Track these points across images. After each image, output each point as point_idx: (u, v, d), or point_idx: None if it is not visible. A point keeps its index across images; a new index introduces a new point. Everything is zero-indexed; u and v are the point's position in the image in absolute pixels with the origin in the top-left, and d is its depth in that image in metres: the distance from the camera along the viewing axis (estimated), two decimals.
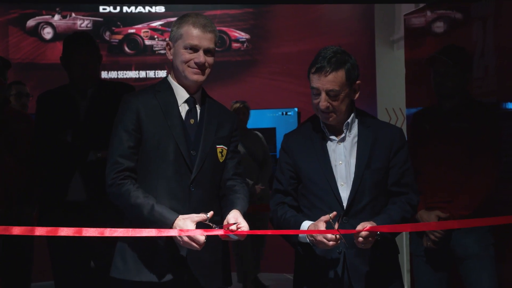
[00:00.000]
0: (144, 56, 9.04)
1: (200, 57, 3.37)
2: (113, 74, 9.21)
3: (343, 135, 3.54)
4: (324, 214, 3.38)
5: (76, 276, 4.60)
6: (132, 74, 9.08)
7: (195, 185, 3.37)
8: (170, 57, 3.48)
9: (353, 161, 3.52)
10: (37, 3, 8.63)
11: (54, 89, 4.75)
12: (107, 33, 9.15)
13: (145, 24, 9.02)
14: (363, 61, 8.53)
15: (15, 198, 4.80)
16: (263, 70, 9.04)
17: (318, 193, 3.51)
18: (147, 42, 9.02)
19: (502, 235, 4.53)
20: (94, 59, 4.65)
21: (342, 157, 3.53)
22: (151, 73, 8.98)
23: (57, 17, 8.91)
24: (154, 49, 9.02)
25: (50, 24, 8.96)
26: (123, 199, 3.30)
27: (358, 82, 3.49)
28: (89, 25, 8.96)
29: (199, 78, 3.40)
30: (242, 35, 9.01)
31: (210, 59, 3.42)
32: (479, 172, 4.39)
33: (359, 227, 3.31)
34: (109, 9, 8.97)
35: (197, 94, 3.49)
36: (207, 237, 3.20)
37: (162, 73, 8.94)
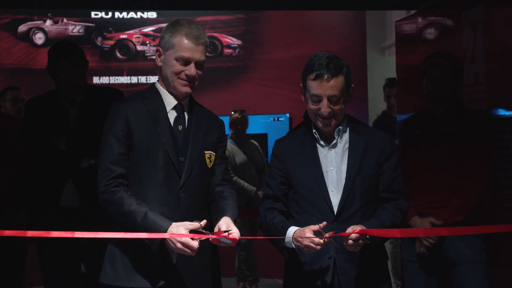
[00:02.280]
0: (136, 62, 9.05)
1: (191, 70, 3.38)
2: (104, 80, 9.21)
3: (334, 141, 3.56)
4: (315, 220, 3.41)
5: (67, 280, 4.59)
6: (123, 79, 9.09)
7: (184, 191, 3.38)
8: (160, 63, 3.48)
9: (344, 167, 3.53)
10: (28, 9, 8.62)
11: (42, 95, 4.74)
12: (99, 39, 9.15)
13: (136, 30, 9.04)
14: (355, 67, 8.53)
15: (8, 203, 4.80)
16: (254, 76, 9.06)
17: (309, 198, 3.53)
18: (139, 47, 9.03)
19: (493, 240, 4.56)
20: (79, 68, 4.63)
21: (334, 163, 3.54)
22: (143, 79, 9.00)
23: (48, 22, 8.92)
24: (145, 54, 9.03)
25: (41, 30, 8.96)
26: (116, 207, 3.31)
27: (352, 85, 3.52)
28: (80, 31, 8.97)
29: (188, 90, 3.43)
30: (233, 41, 9.03)
31: (200, 71, 3.41)
32: (470, 177, 4.41)
33: (349, 230, 3.32)
34: (101, 14, 8.98)
35: (185, 100, 3.51)
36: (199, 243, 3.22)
37: (154, 79, 8.94)
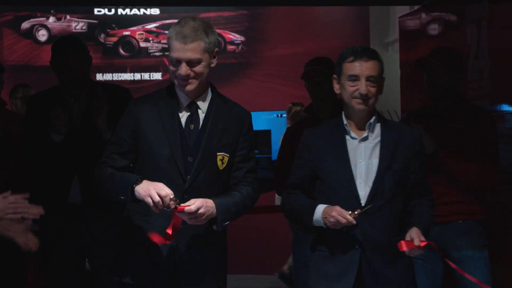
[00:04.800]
0: (139, 59, 9.04)
1: (182, 70, 3.33)
2: (108, 76, 9.20)
3: (365, 134, 3.61)
4: None
5: (71, 278, 4.58)
6: (127, 76, 9.08)
7: (190, 193, 3.32)
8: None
9: (375, 161, 3.58)
10: (32, 6, 8.62)
11: (45, 90, 4.73)
12: (102, 35, 9.14)
13: (140, 26, 9.02)
14: None
15: None
16: (257, 72, 9.05)
17: (336, 190, 3.58)
18: (142, 44, 9.01)
19: (495, 236, 4.55)
20: (83, 63, 4.62)
21: (363, 156, 3.59)
22: (146, 75, 8.99)
23: (51, 19, 8.91)
24: (149, 51, 9.02)
25: (44, 26, 8.95)
26: (97, 179, 3.43)
27: (384, 78, 3.62)
28: (83, 27, 8.96)
29: (189, 88, 3.38)
30: (237, 37, 9.01)
31: (197, 69, 3.35)
32: (479, 173, 4.40)
33: (413, 236, 3.41)
34: (104, 11, 8.97)
35: (200, 98, 3.47)
36: (194, 241, 3.32)
37: (157, 75, 8.94)
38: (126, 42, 9.08)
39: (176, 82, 3.39)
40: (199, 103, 3.46)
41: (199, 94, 3.46)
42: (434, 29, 5.69)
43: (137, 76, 8.91)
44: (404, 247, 3.41)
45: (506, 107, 4.73)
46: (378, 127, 3.64)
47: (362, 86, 3.52)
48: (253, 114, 8.15)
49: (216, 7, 8.71)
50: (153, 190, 3.17)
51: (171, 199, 3.16)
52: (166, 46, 8.93)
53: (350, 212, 3.42)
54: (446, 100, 4.51)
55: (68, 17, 8.94)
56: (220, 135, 3.44)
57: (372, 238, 3.51)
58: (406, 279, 3.64)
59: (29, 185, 4.67)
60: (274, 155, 6.65)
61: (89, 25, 8.96)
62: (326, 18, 8.88)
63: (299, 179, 3.71)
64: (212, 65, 3.44)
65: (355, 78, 3.53)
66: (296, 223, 3.79)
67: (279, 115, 8.37)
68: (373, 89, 3.54)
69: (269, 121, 8.38)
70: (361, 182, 3.56)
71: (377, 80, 3.55)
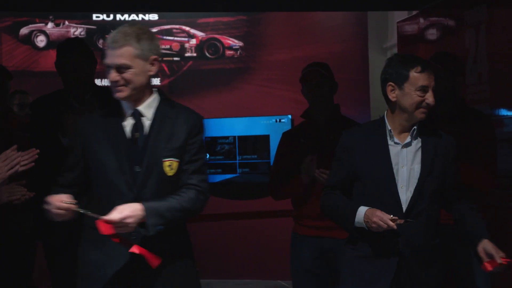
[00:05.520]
0: None
1: (111, 75, 3.29)
2: (106, 82, 9.20)
3: (408, 140, 3.68)
4: None
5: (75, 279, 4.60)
6: None
7: (138, 202, 3.26)
8: None
9: (417, 167, 3.66)
10: (30, 11, 8.61)
11: (49, 94, 4.74)
12: (101, 41, 9.13)
13: None
14: (356, 68, 8.56)
15: (18, 205, 4.79)
16: (256, 77, 9.04)
17: (377, 194, 3.65)
18: None
19: (493, 241, 4.55)
20: (88, 64, 4.64)
21: (405, 161, 3.67)
22: None
23: (50, 25, 8.90)
24: None
25: (43, 32, 8.95)
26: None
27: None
28: (82, 33, 8.95)
29: (119, 95, 3.33)
30: (235, 43, 9.01)
31: (126, 75, 3.29)
32: (478, 177, 4.39)
33: (496, 258, 3.50)
34: (103, 17, 8.97)
35: (143, 105, 3.40)
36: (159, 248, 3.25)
37: (155, 81, 8.92)
38: None
39: (112, 88, 3.34)
40: (143, 110, 3.39)
41: (138, 101, 3.38)
42: (432, 34, 5.70)
43: None
44: (489, 267, 3.51)
45: (504, 112, 4.74)
46: (418, 133, 3.71)
47: (431, 97, 3.62)
48: (252, 119, 8.29)
49: (215, 12, 8.71)
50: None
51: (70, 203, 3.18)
52: (165, 51, 8.92)
53: (391, 216, 3.49)
54: (445, 104, 4.52)
55: (66, 22, 8.93)
56: (167, 140, 3.36)
57: (411, 241, 3.60)
58: (441, 282, 3.73)
59: (38, 189, 4.68)
60: (273, 160, 6.63)
61: (88, 31, 8.95)
62: (325, 23, 8.88)
63: (338, 180, 3.78)
64: (151, 73, 3.36)
65: (424, 89, 3.61)
66: (337, 223, 3.83)
67: (278, 120, 8.37)
68: (431, 100, 3.65)
69: (268, 126, 8.36)
70: (403, 187, 3.63)
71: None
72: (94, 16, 8.94)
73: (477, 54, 4.95)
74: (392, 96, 3.71)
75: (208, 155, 8.34)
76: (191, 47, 8.84)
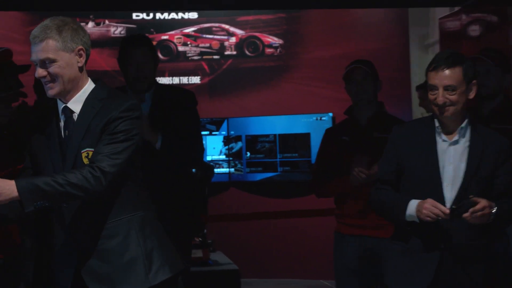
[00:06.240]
0: (177, 63, 9.07)
1: (37, 72, 3.21)
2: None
3: (456, 138, 3.69)
4: None
5: None
6: (165, 80, 9.11)
7: (72, 203, 3.24)
8: None
9: (463, 166, 3.67)
10: (71, 11, 8.70)
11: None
12: None
13: (178, 31, 9.06)
14: (397, 65, 8.51)
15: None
16: (296, 75, 9.03)
17: (422, 191, 3.68)
18: (180, 48, 9.05)
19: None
20: (150, 60, 4.67)
21: (451, 159, 3.68)
22: (184, 79, 9.03)
23: (90, 24, 8.99)
24: (187, 55, 9.05)
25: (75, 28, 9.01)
26: None
27: (474, 81, 3.69)
28: (122, 32, 9.02)
29: (51, 93, 3.24)
30: (275, 41, 9.01)
31: (52, 69, 3.19)
32: None
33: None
34: (143, 16, 9.03)
35: (72, 100, 3.31)
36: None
37: (195, 79, 8.98)
38: (164, 46, 9.12)
39: (44, 85, 3.27)
40: (72, 106, 3.30)
41: (72, 96, 3.30)
42: (475, 30, 5.65)
43: (176, 80, 8.96)
44: None
45: None
46: (468, 131, 3.71)
47: (438, 96, 3.63)
48: (292, 117, 8.28)
49: (254, 10, 8.72)
50: None
51: None
52: (205, 50, 8.94)
53: (447, 209, 3.53)
54: (492, 102, 4.49)
55: (107, 22, 9.01)
56: (85, 132, 3.25)
57: (454, 240, 3.61)
58: (480, 283, 3.70)
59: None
60: (314, 158, 6.63)
61: (128, 30, 9.02)
62: (364, 19, 8.84)
63: (387, 175, 3.81)
64: (79, 64, 3.25)
65: (433, 87, 3.65)
66: (387, 218, 3.90)
67: (319, 118, 8.36)
68: (452, 97, 3.61)
69: (309, 124, 8.37)
70: (448, 185, 3.64)
71: (458, 86, 3.62)
72: (134, 15, 9.00)
73: None
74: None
75: (248, 153, 8.37)
76: (230, 45, 8.86)
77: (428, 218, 3.55)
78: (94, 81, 3.36)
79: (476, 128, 3.74)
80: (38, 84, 4.76)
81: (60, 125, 3.31)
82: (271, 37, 9.04)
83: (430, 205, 3.54)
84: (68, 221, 3.32)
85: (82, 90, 3.31)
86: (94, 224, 3.31)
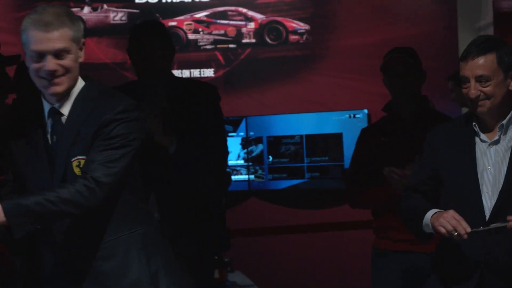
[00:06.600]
0: (187, 53, 9.02)
1: (48, 64, 3.19)
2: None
3: (496, 137, 3.64)
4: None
5: None
6: (174, 73, 9.08)
7: None
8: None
9: (504, 169, 3.60)
10: None
11: (119, 86, 4.77)
12: None
13: (187, 16, 9.02)
14: (444, 51, 8.46)
15: None
16: (325, 66, 8.98)
17: (459, 199, 3.70)
18: (191, 36, 9.01)
19: None
20: (164, 51, 4.65)
21: (492, 161, 3.65)
22: (195, 72, 8.98)
23: (86, 9, 8.96)
24: (198, 44, 9.00)
25: (79, 18, 9.03)
26: None
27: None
28: (123, 18, 8.99)
29: (58, 90, 3.25)
30: (300, 26, 8.95)
31: (66, 62, 3.24)
32: None
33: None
34: None
35: (64, 101, 3.32)
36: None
37: (208, 72, 8.92)
38: (172, 34, 9.08)
39: (39, 84, 3.24)
40: (60, 107, 3.32)
41: (67, 94, 3.33)
42: None
43: (186, 72, 8.91)
44: None
45: None
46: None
47: (471, 89, 3.61)
48: (321, 114, 8.21)
49: None
50: None
51: None
52: (219, 38, 8.92)
53: (468, 227, 3.45)
54: None
55: (105, 6, 8.98)
56: (74, 138, 3.26)
57: (497, 259, 3.54)
58: None
59: None
60: (347, 162, 6.59)
61: (130, 15, 8.99)
62: (405, 0, 8.81)
63: (420, 182, 3.82)
64: (80, 60, 3.32)
65: (463, 79, 3.64)
66: (409, 228, 3.89)
67: (352, 115, 8.31)
68: (487, 89, 3.58)
69: (340, 122, 8.33)
70: (488, 192, 3.59)
71: (492, 77, 3.57)
72: None
73: None
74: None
75: (271, 158, 8.32)
76: (249, 32, 8.81)
77: (443, 229, 3.49)
78: (83, 78, 3.36)
79: None
80: (20, 80, 4.76)
81: (47, 129, 3.31)
82: (296, 22, 8.99)
83: (450, 215, 3.48)
84: (59, 240, 3.33)
85: (74, 88, 3.34)
86: (88, 244, 3.35)
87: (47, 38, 3.19)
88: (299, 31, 8.95)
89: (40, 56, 3.21)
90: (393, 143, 4.84)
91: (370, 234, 5.05)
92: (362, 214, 5.38)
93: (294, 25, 8.96)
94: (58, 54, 3.21)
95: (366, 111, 8.25)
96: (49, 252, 3.37)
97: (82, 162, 3.24)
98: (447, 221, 3.45)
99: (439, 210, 3.60)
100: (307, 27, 8.97)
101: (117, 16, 8.99)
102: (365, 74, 8.45)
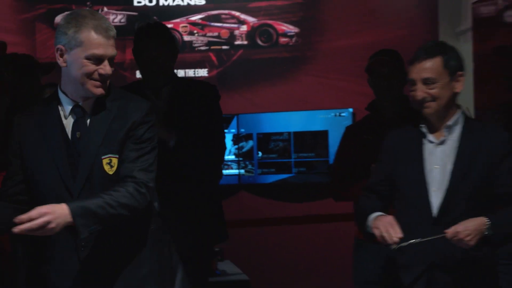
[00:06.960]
0: (183, 54, 9.04)
1: (106, 68, 3.31)
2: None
3: (443, 137, 3.64)
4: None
5: None
6: None
7: None
8: (63, 64, 3.36)
9: (450, 167, 3.62)
10: None
11: (124, 86, 4.78)
12: None
13: (183, 18, 9.06)
14: None
15: None
16: (313, 67, 9.01)
17: (408, 198, 3.65)
18: (186, 38, 9.05)
19: None
20: (168, 53, 4.66)
21: (439, 161, 3.65)
22: (190, 72, 9.03)
23: None
24: (193, 45, 9.05)
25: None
26: None
27: (460, 72, 3.69)
28: (122, 20, 9.03)
29: (102, 91, 3.34)
30: (290, 29, 9.00)
31: (112, 68, 3.36)
32: None
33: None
34: (145, 2, 9.04)
35: (88, 101, 3.40)
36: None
37: (202, 72, 8.97)
38: None
39: (87, 84, 3.32)
40: (84, 105, 3.40)
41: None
42: None
43: (181, 72, 8.94)
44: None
45: None
46: (458, 129, 3.66)
47: (416, 91, 3.65)
48: (308, 113, 8.27)
49: None
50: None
51: None
52: (213, 39, 8.94)
53: (399, 234, 3.46)
54: None
55: (105, 9, 9.02)
56: (104, 136, 3.34)
57: (444, 254, 3.53)
58: None
59: None
60: (332, 158, 6.63)
61: (128, 18, 9.03)
62: (389, 5, 8.83)
63: (375, 183, 3.83)
64: None
65: (412, 82, 3.68)
66: (358, 227, 3.88)
67: (338, 114, 8.35)
68: (433, 91, 3.61)
69: (326, 121, 8.36)
70: (435, 190, 3.55)
71: (437, 79, 3.60)
72: (135, 2, 9.02)
73: None
74: None
75: (260, 153, 8.37)
76: (241, 34, 8.85)
77: (377, 232, 3.54)
78: None
79: (469, 124, 3.70)
80: (21, 80, 4.74)
81: (66, 125, 3.37)
82: (286, 25, 9.02)
83: (386, 220, 3.51)
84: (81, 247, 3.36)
85: None
86: (105, 241, 3.41)
87: (108, 44, 3.30)
88: (289, 33, 8.99)
89: (98, 60, 3.30)
90: (375, 141, 4.85)
91: (353, 225, 5.07)
92: (346, 207, 5.41)
93: (284, 28, 9.00)
94: (111, 60, 3.32)
95: (351, 110, 8.29)
96: (62, 248, 3.39)
97: (114, 160, 3.31)
98: (381, 225, 3.48)
99: (383, 213, 3.63)
100: (296, 30, 9.01)
101: (117, 18, 9.02)
102: (351, 75, 8.48)
